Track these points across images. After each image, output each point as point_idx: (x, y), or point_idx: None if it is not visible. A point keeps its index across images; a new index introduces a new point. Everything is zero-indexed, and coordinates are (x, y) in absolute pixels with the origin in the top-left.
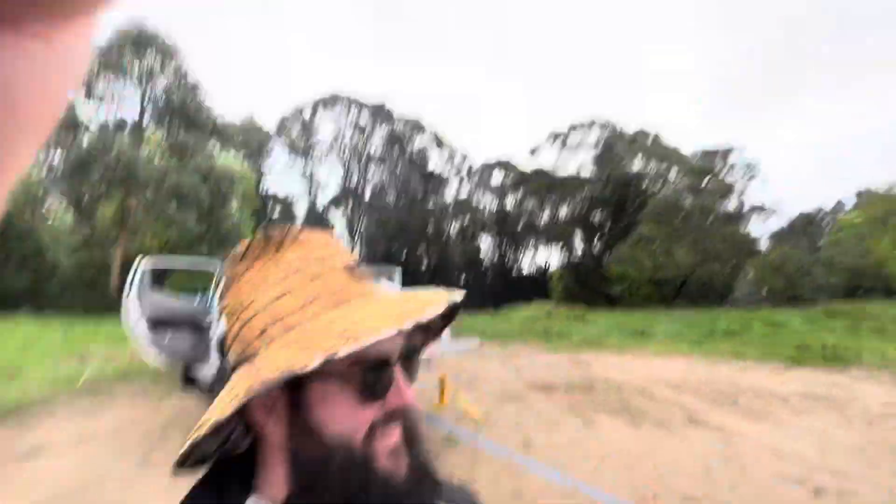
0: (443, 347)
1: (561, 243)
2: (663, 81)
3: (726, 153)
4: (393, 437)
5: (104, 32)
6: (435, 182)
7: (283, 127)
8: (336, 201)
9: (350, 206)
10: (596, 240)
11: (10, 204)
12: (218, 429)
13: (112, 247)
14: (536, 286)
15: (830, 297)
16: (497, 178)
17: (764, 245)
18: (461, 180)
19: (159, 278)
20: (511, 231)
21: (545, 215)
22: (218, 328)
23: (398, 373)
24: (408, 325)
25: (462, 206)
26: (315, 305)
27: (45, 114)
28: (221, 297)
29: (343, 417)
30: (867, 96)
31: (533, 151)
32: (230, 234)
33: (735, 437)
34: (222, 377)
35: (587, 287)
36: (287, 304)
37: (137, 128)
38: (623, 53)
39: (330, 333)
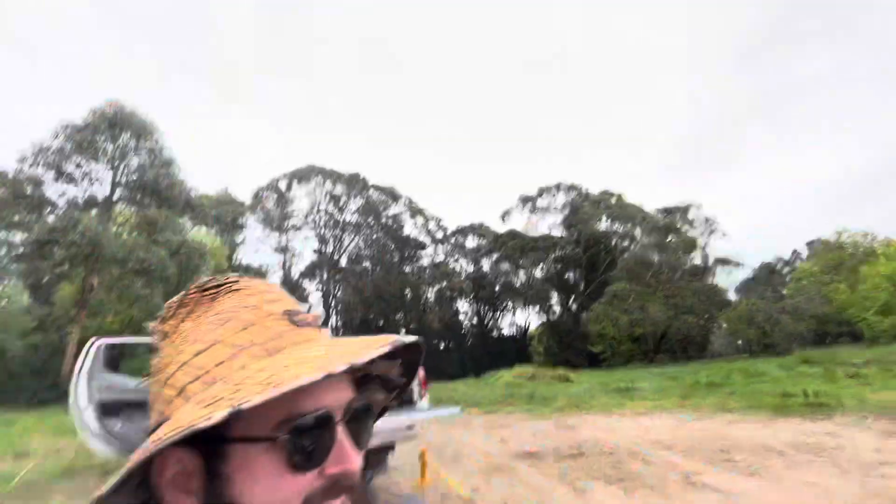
0: (422, 417)
1: (538, 305)
2: (622, 145)
3: (685, 210)
4: None
5: (79, 113)
6: (410, 247)
7: (258, 198)
8: (311, 270)
9: (325, 275)
10: (572, 300)
11: None
12: None
13: (69, 328)
14: (517, 348)
15: (801, 345)
16: (471, 241)
17: (731, 296)
18: (436, 245)
19: (115, 360)
20: (488, 294)
21: (521, 276)
22: None
23: (343, 434)
24: (338, 368)
25: (439, 270)
26: (244, 356)
27: None
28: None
29: (268, 490)
30: (807, 154)
31: (505, 215)
32: None
33: (735, 498)
34: None
35: (569, 347)
36: (212, 358)
37: (107, 205)
38: (585, 120)
39: (246, 384)
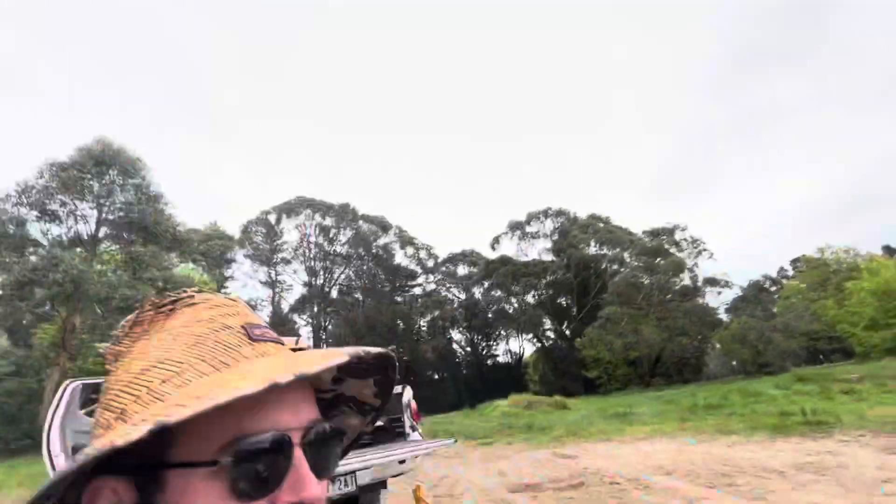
0: (415, 451)
1: (531, 332)
2: (607, 170)
3: (672, 231)
4: None
5: (65, 150)
6: (402, 277)
7: (247, 232)
8: (302, 304)
9: (316, 308)
10: (565, 325)
11: None
12: None
13: (48, 371)
14: (513, 376)
15: (795, 363)
16: (463, 269)
17: (721, 316)
18: (427, 274)
19: (92, 403)
20: (481, 322)
21: (513, 303)
22: None
23: (301, 459)
24: (283, 379)
25: (431, 299)
26: (190, 372)
27: None
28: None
29: None
30: (785, 175)
31: (495, 242)
32: None
33: None
34: None
35: (564, 373)
36: (156, 376)
37: (91, 243)
38: (570, 145)
39: (181, 400)
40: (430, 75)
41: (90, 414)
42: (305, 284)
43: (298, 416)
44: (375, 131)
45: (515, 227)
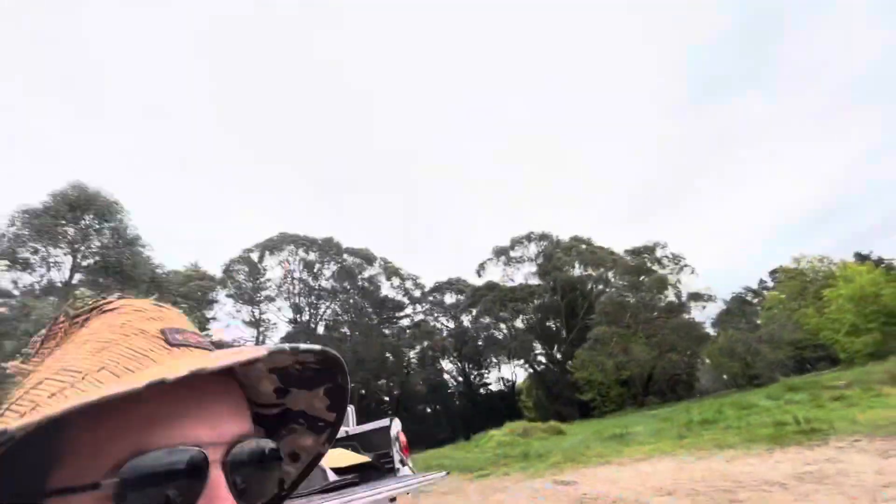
0: (405, 487)
1: (523, 358)
2: (585, 192)
3: (653, 249)
4: None
5: (38, 196)
6: (389, 309)
7: (228, 272)
8: (288, 341)
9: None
10: (556, 349)
11: None
12: None
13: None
14: (507, 404)
15: (783, 373)
16: (450, 297)
17: (708, 330)
18: (415, 304)
19: None
20: (472, 350)
21: (503, 329)
22: None
23: (219, 480)
24: (170, 376)
25: (419, 330)
26: (88, 381)
27: None
28: None
29: None
30: (756, 191)
31: (480, 268)
32: None
33: None
34: None
35: (558, 398)
36: (46, 389)
37: (66, 290)
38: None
39: (53, 406)
40: (407, 106)
41: None
42: (291, 321)
43: (219, 430)
44: (355, 164)
45: (500, 252)
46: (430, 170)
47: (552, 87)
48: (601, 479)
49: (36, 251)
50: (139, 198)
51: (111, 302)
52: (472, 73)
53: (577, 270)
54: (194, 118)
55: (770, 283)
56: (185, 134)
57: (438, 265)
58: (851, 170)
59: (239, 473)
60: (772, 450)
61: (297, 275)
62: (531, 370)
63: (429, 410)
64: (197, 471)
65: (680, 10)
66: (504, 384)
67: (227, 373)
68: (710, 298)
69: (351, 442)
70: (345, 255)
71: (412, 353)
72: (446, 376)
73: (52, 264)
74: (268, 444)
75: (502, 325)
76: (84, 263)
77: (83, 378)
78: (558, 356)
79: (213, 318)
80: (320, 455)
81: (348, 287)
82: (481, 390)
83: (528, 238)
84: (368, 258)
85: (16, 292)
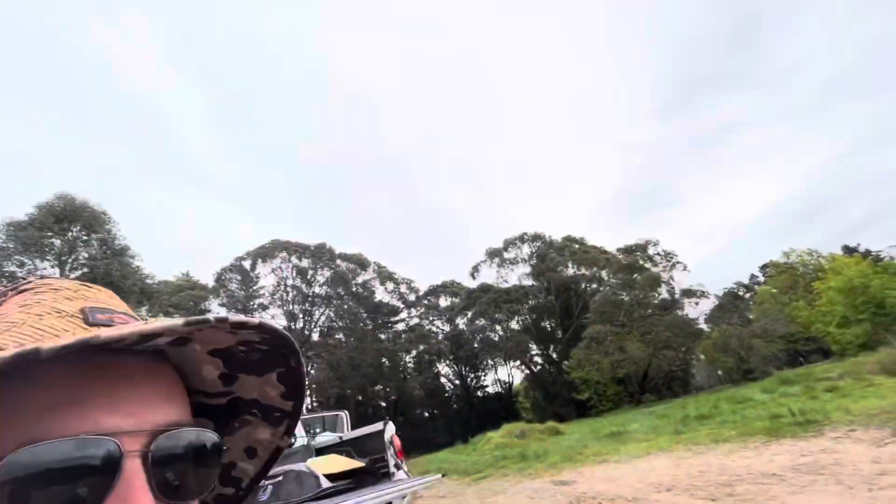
0: (400, 491)
1: (519, 359)
2: (576, 192)
3: (644, 247)
4: None
5: (24, 208)
6: (383, 313)
7: (220, 281)
8: None
9: None
10: (552, 349)
11: None
12: None
13: None
14: (504, 406)
15: (777, 366)
16: (445, 300)
17: (702, 326)
18: (410, 308)
19: None
20: (468, 353)
21: (498, 330)
22: None
23: (136, 475)
24: (47, 346)
25: (415, 334)
26: None
27: None
28: None
29: None
30: (743, 187)
31: (474, 271)
32: None
33: None
34: None
35: (555, 398)
36: None
37: None
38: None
39: None
40: (399, 111)
41: None
42: (285, 329)
43: (139, 418)
44: (346, 169)
45: (493, 254)
46: (422, 174)
47: (545, 88)
48: (599, 477)
49: (22, 264)
50: (129, 209)
51: (29, 282)
52: (463, 75)
53: (571, 270)
54: (185, 126)
55: (761, 278)
56: (176, 143)
57: (432, 269)
58: (838, 164)
59: (170, 468)
60: (768, 442)
61: (290, 282)
62: (528, 371)
63: (426, 415)
64: (105, 464)
65: (667, 10)
66: (501, 386)
67: (157, 355)
68: (702, 295)
69: (345, 448)
70: (338, 261)
71: (408, 358)
72: (443, 380)
73: (38, 277)
74: (206, 435)
75: (498, 327)
76: (72, 276)
77: None
78: (554, 356)
79: None
80: (279, 450)
81: (342, 293)
82: (478, 393)
83: (522, 239)
84: (362, 263)
85: None
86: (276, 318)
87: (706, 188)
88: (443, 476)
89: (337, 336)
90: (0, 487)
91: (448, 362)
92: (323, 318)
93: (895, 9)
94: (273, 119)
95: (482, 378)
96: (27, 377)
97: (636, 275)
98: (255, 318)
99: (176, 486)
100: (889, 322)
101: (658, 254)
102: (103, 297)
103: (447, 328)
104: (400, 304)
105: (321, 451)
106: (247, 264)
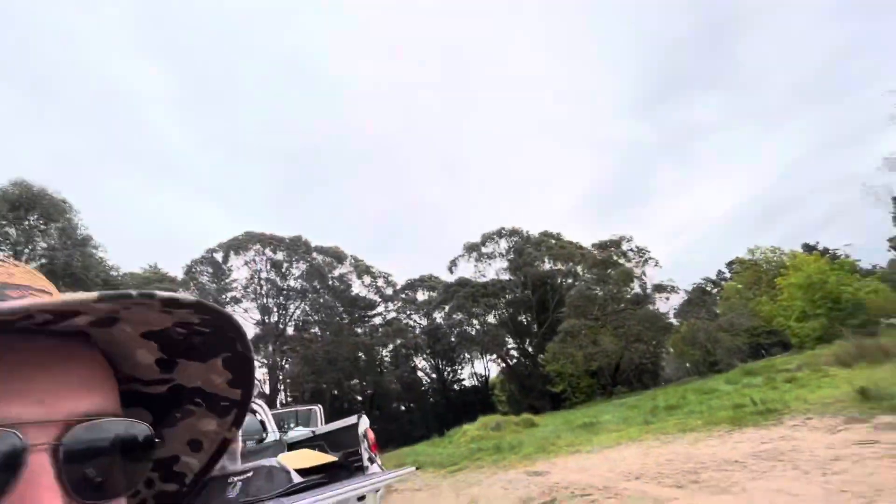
0: (374, 484)
1: (495, 353)
2: (553, 188)
3: (618, 243)
4: None
5: None
6: (360, 307)
7: (191, 273)
8: (255, 344)
9: (271, 348)
10: (528, 343)
11: None
12: None
13: None
14: (480, 399)
15: (741, 359)
16: (422, 294)
17: (671, 320)
18: (387, 302)
19: None
20: (445, 347)
21: (475, 324)
22: None
23: (40, 472)
24: None
25: (392, 328)
26: None
27: None
28: None
29: None
30: (713, 186)
31: (452, 265)
32: None
33: None
34: None
35: (530, 391)
36: None
37: None
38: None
39: None
40: (377, 104)
41: None
42: (258, 323)
43: (50, 407)
44: (324, 161)
45: (471, 248)
46: (402, 167)
47: (523, 84)
48: (572, 467)
49: None
50: (94, 198)
51: None
52: (443, 69)
53: (547, 265)
54: (155, 114)
55: (728, 274)
56: (147, 131)
57: (410, 263)
58: (801, 166)
59: (90, 463)
60: (731, 431)
61: (264, 275)
62: (504, 364)
63: (403, 409)
64: (4, 459)
65: (643, 11)
66: (477, 379)
67: (79, 338)
68: (672, 290)
69: (318, 442)
70: (314, 254)
71: (385, 352)
72: (420, 374)
73: None
74: (134, 426)
75: (475, 321)
76: (29, 266)
77: None
78: (530, 350)
79: None
80: (227, 441)
81: (318, 286)
82: (455, 386)
83: (499, 234)
84: (338, 256)
85: None
86: (249, 312)
87: (678, 186)
88: (417, 469)
89: (312, 330)
90: None
91: (425, 356)
92: (298, 311)
93: (854, 22)
94: (249, 109)
95: (459, 372)
96: None
97: (610, 270)
98: (190, 297)
99: (99, 483)
100: (844, 316)
101: (631, 250)
102: (22, 274)
103: (424, 322)
104: (377, 298)
105: (293, 445)
106: (219, 256)
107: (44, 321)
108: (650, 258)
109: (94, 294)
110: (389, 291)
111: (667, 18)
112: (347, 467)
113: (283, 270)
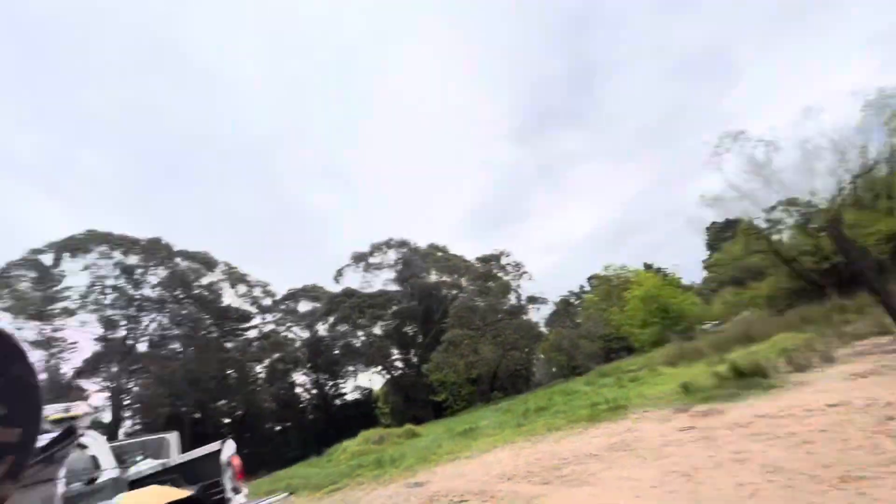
0: None
1: (380, 365)
2: (444, 204)
3: (499, 257)
4: None
5: None
6: (232, 319)
7: (5, 277)
8: (94, 364)
9: (116, 367)
10: (412, 353)
11: None
12: None
13: None
14: (364, 413)
15: (597, 362)
16: (305, 305)
17: (542, 329)
18: (264, 314)
19: None
20: (327, 360)
21: (360, 336)
22: None
23: None
24: None
25: (268, 342)
26: None
27: None
28: None
29: None
30: (579, 209)
31: (338, 275)
32: None
33: None
34: None
35: (414, 401)
36: None
37: None
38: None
39: None
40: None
41: None
42: (100, 339)
43: None
44: (193, 160)
45: (359, 258)
46: (288, 172)
47: (415, 100)
48: (451, 475)
49: None
50: None
51: None
52: (337, 75)
53: (434, 277)
54: None
55: (588, 288)
56: None
57: (293, 272)
58: (644, 196)
59: None
60: (588, 427)
61: (111, 282)
62: (389, 376)
63: (278, 429)
64: None
65: (518, 51)
66: (361, 393)
67: None
68: (543, 301)
69: (171, 476)
70: (177, 259)
71: (260, 368)
72: (299, 390)
73: None
74: None
75: (360, 333)
76: None
77: None
78: (415, 360)
79: None
80: (14, 475)
81: (181, 296)
82: (337, 401)
83: (388, 244)
84: (208, 263)
85: None
86: (88, 326)
87: (551, 207)
88: (290, 494)
89: (172, 346)
90: None
91: (305, 371)
92: (154, 325)
93: (686, 82)
94: (95, 84)
95: (341, 386)
96: None
97: (491, 282)
98: None
99: None
100: (671, 324)
101: (510, 264)
102: None
103: (306, 335)
104: (253, 310)
105: (139, 482)
106: (47, 259)
107: None
108: (525, 272)
109: None
110: (268, 302)
111: (543, 58)
112: (205, 502)
113: (137, 277)
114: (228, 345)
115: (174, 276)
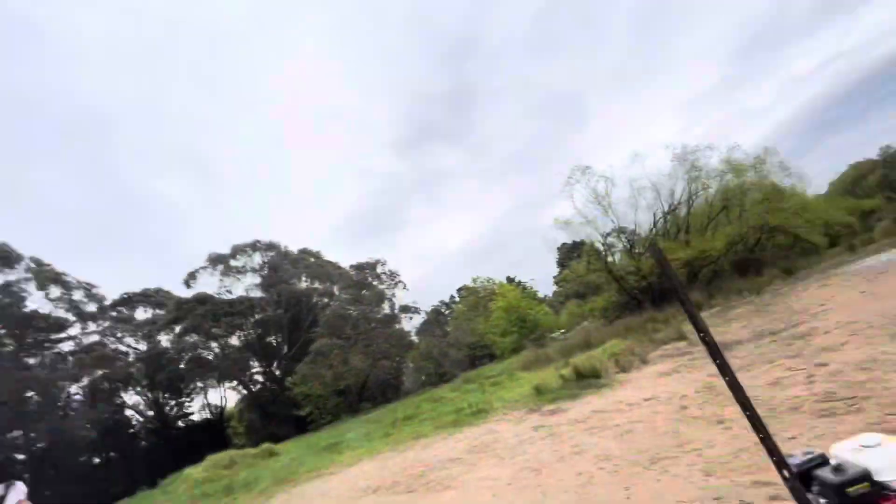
0: None
1: (236, 379)
2: (318, 210)
3: (374, 266)
4: None
5: None
6: (38, 329)
7: None
8: None
9: None
10: (275, 365)
11: None
12: None
13: None
14: (212, 434)
15: (463, 369)
16: (144, 313)
17: (413, 338)
18: (86, 322)
19: None
20: (170, 376)
21: (214, 348)
22: None
23: None
24: None
25: (90, 356)
26: None
27: None
28: None
29: None
30: (453, 221)
31: (190, 278)
32: None
33: None
34: None
35: (274, 417)
36: None
37: None
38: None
39: None
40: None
41: None
42: None
43: None
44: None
45: (217, 260)
46: (131, 153)
47: (294, 98)
48: (311, 494)
49: None
50: None
51: None
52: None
53: (304, 283)
54: None
55: (457, 298)
56: None
57: (133, 274)
58: (508, 216)
59: None
60: (453, 432)
61: None
62: (245, 392)
63: (97, 461)
64: None
65: (404, 62)
66: (211, 412)
67: None
68: (416, 311)
69: None
70: None
71: (76, 388)
72: (129, 412)
73: None
74: None
75: (213, 344)
76: None
77: None
78: (277, 373)
79: None
80: None
81: None
82: (179, 423)
83: (254, 247)
84: (7, 258)
85: None
86: None
87: (426, 218)
88: None
89: None
90: None
91: (140, 389)
92: None
93: (547, 119)
94: None
95: (187, 405)
96: None
97: (365, 291)
98: None
99: None
100: (528, 332)
101: (385, 273)
102: None
103: (144, 347)
104: (71, 317)
105: None
106: None
107: None
108: (400, 281)
109: None
110: (92, 308)
111: (427, 73)
112: None
113: None
114: (31, 361)
115: None
